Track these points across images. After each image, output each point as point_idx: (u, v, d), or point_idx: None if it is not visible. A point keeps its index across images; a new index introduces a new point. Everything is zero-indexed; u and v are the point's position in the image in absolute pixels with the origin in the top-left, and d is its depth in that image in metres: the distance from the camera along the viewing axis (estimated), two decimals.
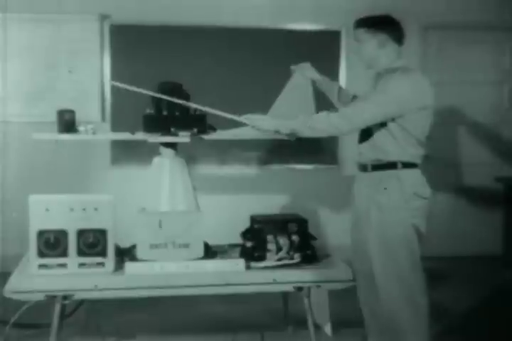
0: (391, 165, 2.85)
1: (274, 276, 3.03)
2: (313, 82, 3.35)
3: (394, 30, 2.92)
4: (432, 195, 2.90)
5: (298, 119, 2.90)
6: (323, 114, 2.85)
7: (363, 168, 2.96)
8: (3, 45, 4.96)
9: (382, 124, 2.82)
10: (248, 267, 3.06)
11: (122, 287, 2.95)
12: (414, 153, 2.86)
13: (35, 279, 2.92)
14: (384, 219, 2.83)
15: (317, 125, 2.83)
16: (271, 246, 3.13)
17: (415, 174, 2.88)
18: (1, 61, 4.97)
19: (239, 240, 3.32)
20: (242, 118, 3.04)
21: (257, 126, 2.99)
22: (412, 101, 2.77)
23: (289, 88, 3.38)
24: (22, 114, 5.03)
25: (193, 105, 3.15)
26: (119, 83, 3.17)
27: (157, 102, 3.23)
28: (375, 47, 2.90)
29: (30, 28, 5.00)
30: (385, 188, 2.84)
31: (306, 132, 2.87)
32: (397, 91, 2.77)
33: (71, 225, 2.94)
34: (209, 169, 5.16)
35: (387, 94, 2.77)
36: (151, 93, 3.15)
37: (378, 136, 2.87)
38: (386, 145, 2.85)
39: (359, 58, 2.99)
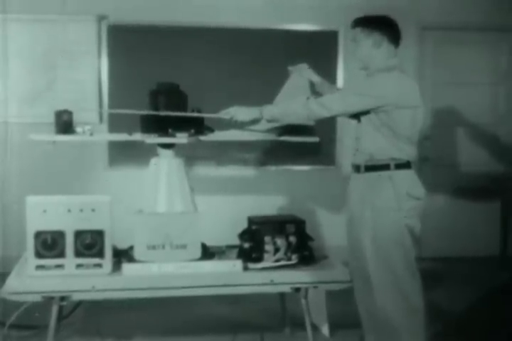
0: (384, 166, 2.86)
1: (271, 277, 3.04)
2: (311, 83, 3.36)
3: (390, 31, 2.93)
4: (428, 195, 2.91)
5: (277, 106, 3.00)
6: (302, 100, 2.93)
7: (357, 168, 2.97)
8: (2, 45, 4.95)
9: (368, 121, 2.87)
10: (246, 268, 3.07)
11: (120, 288, 2.95)
12: (405, 152, 2.87)
13: (33, 280, 2.92)
14: (377, 219, 2.84)
15: (297, 111, 2.91)
16: (268, 247, 3.13)
17: (408, 175, 2.89)
18: (1, 62, 4.97)
19: (236, 241, 3.32)
20: (222, 114, 3.07)
21: (238, 117, 3.02)
22: (391, 97, 2.79)
23: (286, 89, 3.38)
24: (21, 114, 5.02)
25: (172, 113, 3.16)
26: (114, 109, 3.21)
27: (155, 103, 3.23)
28: (370, 46, 2.91)
29: (28, 29, 4.99)
30: (378, 189, 2.85)
31: (286, 118, 2.99)
32: (375, 84, 2.84)
33: (68, 226, 2.94)
34: (207, 170, 5.16)
35: (366, 86, 2.87)
36: (141, 112, 3.21)
37: (369, 136, 2.89)
38: (377, 144, 2.86)
39: (355, 58, 3.00)
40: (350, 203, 3.03)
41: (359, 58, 2.97)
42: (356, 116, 2.94)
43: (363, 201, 2.89)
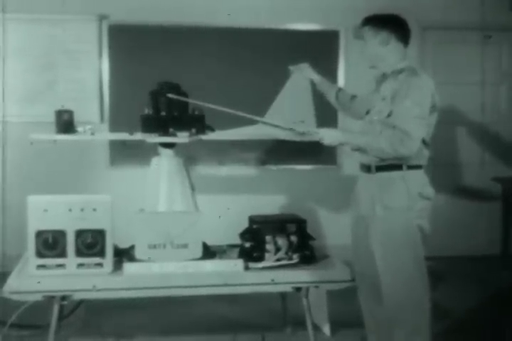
0: (396, 167, 2.83)
1: (272, 277, 3.04)
2: (312, 83, 3.35)
3: (398, 29, 2.91)
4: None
5: (367, 137, 2.83)
6: (390, 132, 2.73)
7: (367, 169, 2.94)
8: (2, 45, 4.95)
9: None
10: (247, 267, 3.07)
11: (121, 287, 2.95)
12: (421, 155, 2.85)
13: (34, 279, 2.92)
14: (389, 219, 2.82)
15: (382, 147, 2.73)
16: (269, 246, 3.13)
17: (419, 175, 2.87)
18: (1, 61, 4.97)
19: (237, 240, 3.31)
20: (312, 132, 2.95)
21: (325, 141, 2.86)
22: (430, 103, 2.80)
23: (287, 88, 3.38)
24: (21, 114, 5.02)
25: (247, 115, 3.13)
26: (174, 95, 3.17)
27: (156, 102, 3.22)
28: (378, 44, 2.90)
29: (28, 28, 4.99)
30: (391, 189, 2.83)
31: (375, 153, 2.80)
32: (420, 97, 2.77)
33: (69, 225, 2.94)
34: (208, 169, 5.16)
35: (419, 103, 2.76)
36: (208, 105, 3.15)
37: None
38: None
39: (363, 57, 2.99)
40: (359, 203, 3.00)
41: (367, 57, 2.96)
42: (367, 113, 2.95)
43: (374, 201, 2.87)
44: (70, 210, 2.94)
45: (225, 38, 5.14)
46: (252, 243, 3.17)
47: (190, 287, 2.99)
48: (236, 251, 3.29)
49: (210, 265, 3.04)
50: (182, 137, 3.18)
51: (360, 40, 2.97)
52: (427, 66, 5.45)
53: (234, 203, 5.07)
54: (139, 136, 3.25)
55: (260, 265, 3.09)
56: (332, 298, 3.44)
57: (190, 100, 3.21)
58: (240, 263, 3.05)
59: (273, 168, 5.33)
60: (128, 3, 5.05)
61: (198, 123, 3.24)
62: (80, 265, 2.96)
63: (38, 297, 2.90)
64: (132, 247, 3.16)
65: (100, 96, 5.10)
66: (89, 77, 5.08)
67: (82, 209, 2.95)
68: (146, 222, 3.09)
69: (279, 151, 5.14)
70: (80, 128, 3.26)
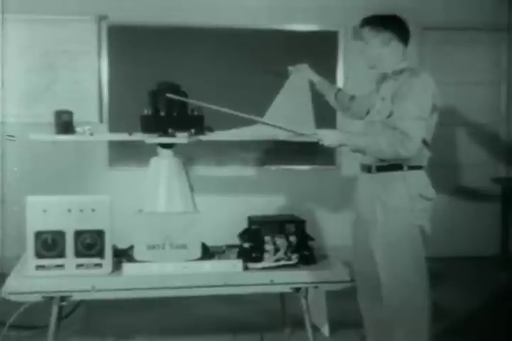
0: (397, 167, 2.82)
1: (271, 277, 3.03)
2: (312, 83, 3.35)
3: (398, 30, 2.91)
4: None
5: (366, 138, 2.81)
6: (389, 133, 2.72)
7: (367, 169, 2.93)
8: (1, 45, 4.96)
9: None
10: (246, 268, 3.06)
11: (120, 288, 2.94)
12: (422, 156, 2.85)
13: (33, 280, 2.91)
14: (390, 220, 2.81)
15: (382, 148, 2.72)
16: (268, 247, 3.13)
17: (420, 175, 2.87)
18: (1, 62, 4.97)
19: (236, 241, 3.31)
20: (310, 135, 2.94)
21: (325, 142, 2.85)
22: (430, 103, 2.79)
23: (286, 89, 3.38)
24: (20, 114, 5.02)
25: (259, 119, 3.13)
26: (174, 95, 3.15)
27: (155, 103, 3.22)
28: (379, 45, 2.89)
29: (28, 29, 5.00)
30: (391, 189, 2.83)
31: (374, 154, 2.80)
32: (421, 98, 2.75)
33: (68, 226, 2.93)
34: (207, 170, 5.16)
35: (419, 104, 2.74)
36: (206, 105, 3.14)
37: None
38: None
39: (363, 58, 2.98)
40: (359, 203, 3.00)
41: (368, 58, 2.95)
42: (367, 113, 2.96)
43: (374, 201, 2.86)
44: (69, 211, 2.94)
45: (224, 39, 5.14)
46: (251, 243, 3.17)
47: (190, 287, 2.99)
48: (235, 251, 3.29)
49: (209, 265, 3.04)
50: (181, 137, 3.18)
51: (361, 41, 2.97)
52: (426, 66, 5.45)
53: (233, 203, 5.08)
54: (138, 136, 3.25)
55: (259, 265, 3.09)
56: (331, 299, 3.44)
57: (189, 100, 3.21)
58: (239, 263, 3.05)
59: (272, 168, 5.33)
60: (127, 3, 5.05)
61: (197, 123, 3.24)
62: (79, 265, 2.96)
63: (37, 297, 2.90)
64: (131, 248, 3.16)
65: (99, 97, 5.10)
66: (88, 78, 5.09)
67: (81, 210, 2.94)
68: (145, 222, 3.09)
69: (278, 152, 5.14)
70: (78, 129, 3.26)
